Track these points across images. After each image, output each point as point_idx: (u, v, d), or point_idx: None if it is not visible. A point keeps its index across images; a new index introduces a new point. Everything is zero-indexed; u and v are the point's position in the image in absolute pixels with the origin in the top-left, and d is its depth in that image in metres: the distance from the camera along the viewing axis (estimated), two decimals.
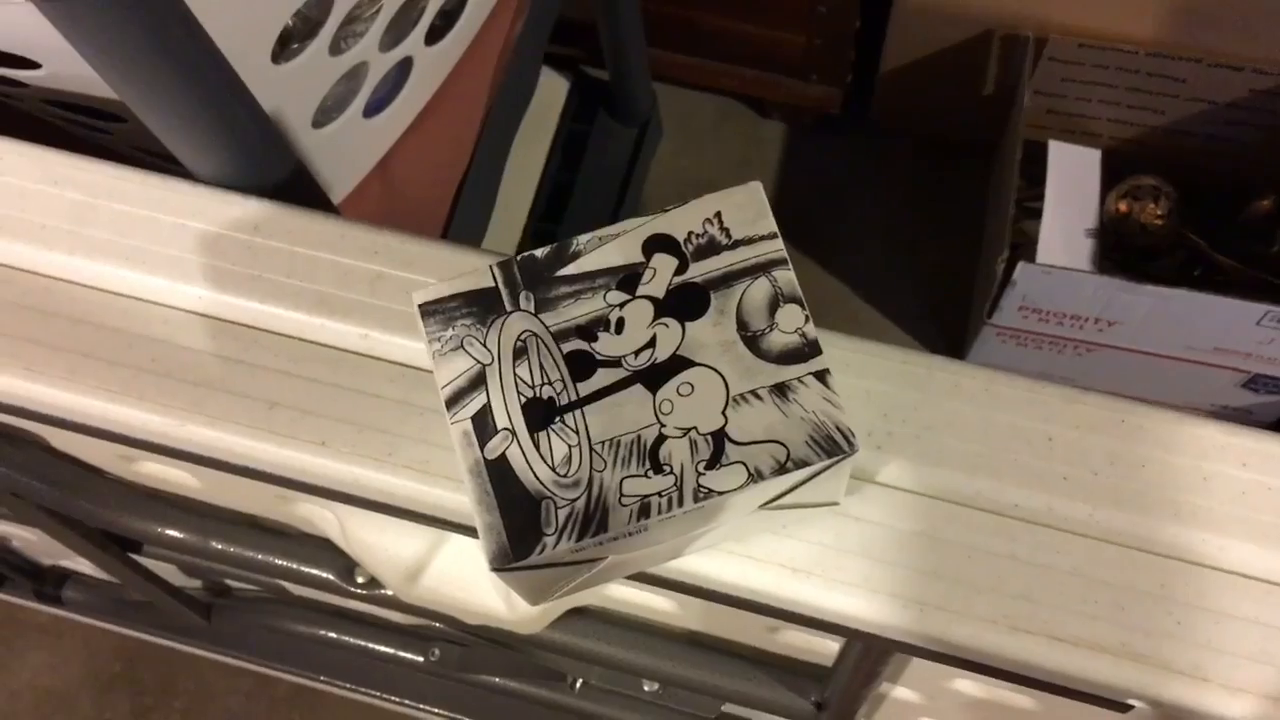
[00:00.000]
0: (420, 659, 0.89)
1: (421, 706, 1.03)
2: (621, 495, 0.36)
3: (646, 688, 0.77)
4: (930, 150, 1.36)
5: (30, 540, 1.03)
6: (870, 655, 0.52)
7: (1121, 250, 1.18)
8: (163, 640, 1.15)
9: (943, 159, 1.35)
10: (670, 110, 1.34)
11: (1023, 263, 1.01)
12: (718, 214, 0.38)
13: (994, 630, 0.42)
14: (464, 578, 0.64)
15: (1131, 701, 0.43)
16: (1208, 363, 1.08)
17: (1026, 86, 1.09)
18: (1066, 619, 0.42)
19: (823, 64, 1.26)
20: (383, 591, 0.71)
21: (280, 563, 0.71)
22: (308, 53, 0.62)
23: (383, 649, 0.90)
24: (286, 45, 0.60)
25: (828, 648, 0.61)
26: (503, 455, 0.37)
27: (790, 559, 0.43)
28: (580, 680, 0.78)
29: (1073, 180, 1.14)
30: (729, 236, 0.38)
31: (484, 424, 0.37)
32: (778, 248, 0.38)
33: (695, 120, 1.41)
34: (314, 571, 0.71)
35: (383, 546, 0.63)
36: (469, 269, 0.48)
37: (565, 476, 0.36)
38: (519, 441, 0.37)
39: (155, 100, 0.48)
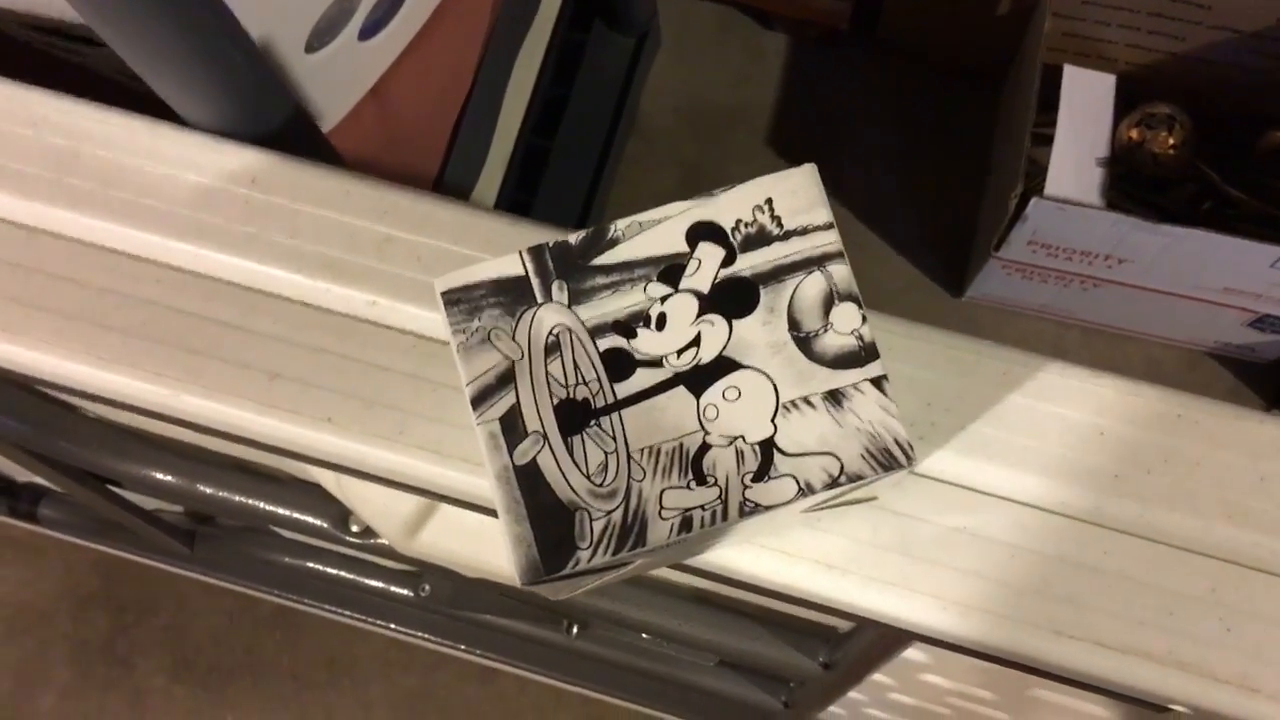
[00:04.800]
0: (410, 594, 0.88)
1: (409, 632, 1.02)
2: (662, 508, 0.33)
3: (645, 635, 0.76)
4: (937, 71, 1.31)
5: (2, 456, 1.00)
6: (892, 638, 0.51)
7: (1132, 180, 1.15)
8: (143, 559, 1.13)
9: (949, 80, 1.31)
10: (668, 19, 1.29)
11: (1035, 198, 0.98)
12: (769, 200, 0.35)
13: (1037, 634, 0.40)
14: (466, 532, 0.62)
15: (1173, 706, 0.41)
16: (1216, 301, 1.06)
17: (1046, 9, 1.04)
18: (1113, 624, 0.40)
19: None
20: (378, 541, 0.69)
21: (270, 509, 0.68)
22: None
23: (372, 583, 0.88)
24: None
25: None
26: (533, 461, 0.34)
27: (825, 555, 0.41)
28: (576, 627, 0.77)
29: (1085, 107, 1.10)
30: (780, 226, 0.35)
31: (513, 426, 0.34)
32: (833, 239, 0.35)
33: (694, 31, 1.35)
34: (306, 519, 0.69)
35: (380, 499, 0.61)
36: (485, 234, 0.45)
37: (601, 486, 0.34)
38: (551, 446, 0.34)
39: (133, 33, 0.43)
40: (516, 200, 1.07)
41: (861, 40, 1.32)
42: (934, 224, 1.27)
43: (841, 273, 0.35)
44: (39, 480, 1.06)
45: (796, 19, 1.30)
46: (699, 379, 0.34)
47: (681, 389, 0.34)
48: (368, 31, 0.67)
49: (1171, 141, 1.13)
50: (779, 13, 1.31)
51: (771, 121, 1.32)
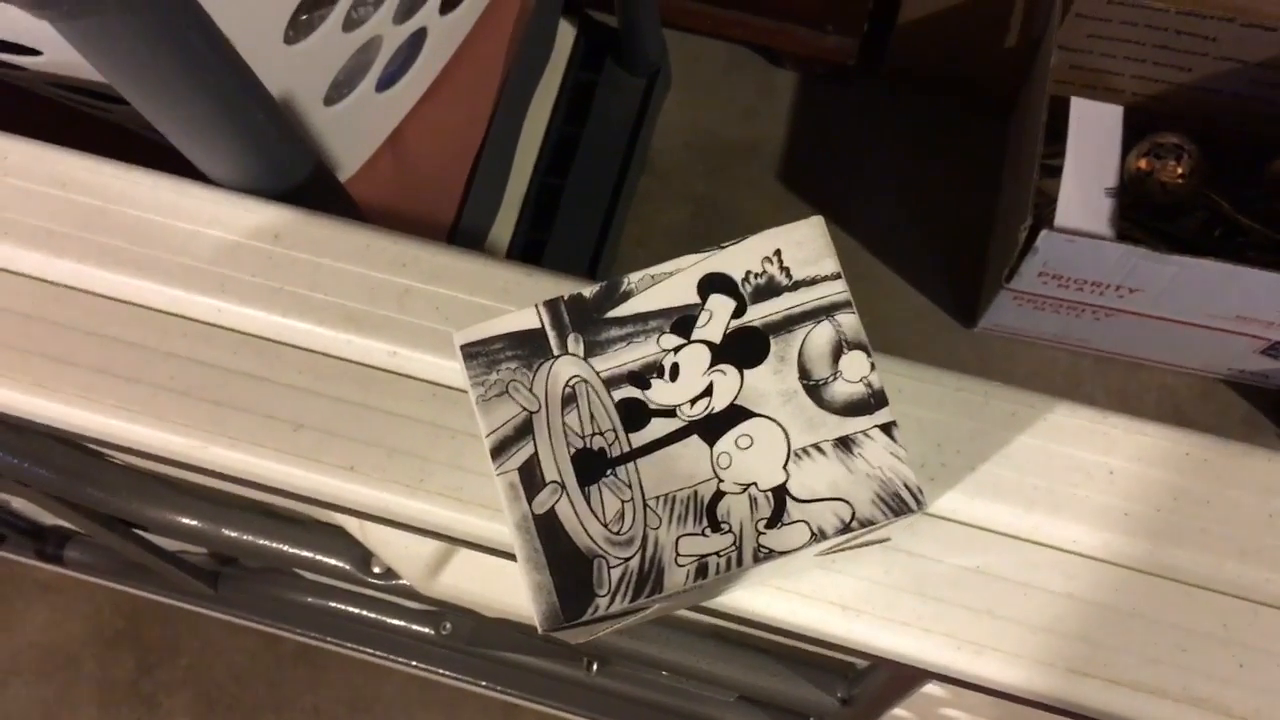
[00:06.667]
0: (432, 632, 0.88)
1: (431, 669, 1.02)
2: (678, 554, 0.34)
3: (665, 672, 0.76)
4: (945, 104, 1.32)
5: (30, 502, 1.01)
6: (909, 675, 0.51)
7: (1141, 209, 1.15)
8: (166, 599, 1.14)
9: (957, 113, 1.32)
10: (678, 57, 1.30)
11: (1045, 230, 0.98)
12: (777, 252, 0.36)
13: (1050, 673, 0.41)
14: (486, 573, 0.63)
15: None
16: (1229, 330, 1.06)
17: (1053, 43, 1.06)
18: (1126, 661, 0.40)
19: (839, 14, 1.22)
20: (400, 582, 0.70)
21: (293, 552, 0.69)
22: (320, 30, 0.59)
23: (394, 622, 0.89)
24: (298, 24, 0.57)
25: None
26: (552, 510, 0.35)
27: (840, 596, 0.42)
28: (596, 664, 0.77)
29: (1094, 138, 1.11)
30: (789, 276, 0.36)
31: (531, 476, 0.35)
32: (841, 289, 0.36)
33: (704, 69, 1.37)
34: (329, 561, 0.69)
35: (402, 541, 0.62)
36: (501, 284, 0.46)
37: (618, 534, 0.34)
38: (569, 495, 0.35)
39: (158, 96, 0.45)
40: (531, 239, 1.08)
41: (869, 76, 1.33)
42: (945, 255, 1.28)
43: (850, 322, 0.36)
44: (65, 524, 1.08)
45: (805, 56, 1.32)
46: (712, 428, 0.35)
47: (695, 438, 0.35)
48: (385, 83, 0.69)
49: (1180, 171, 1.13)
50: (787, 50, 1.33)
51: (782, 156, 1.33)
